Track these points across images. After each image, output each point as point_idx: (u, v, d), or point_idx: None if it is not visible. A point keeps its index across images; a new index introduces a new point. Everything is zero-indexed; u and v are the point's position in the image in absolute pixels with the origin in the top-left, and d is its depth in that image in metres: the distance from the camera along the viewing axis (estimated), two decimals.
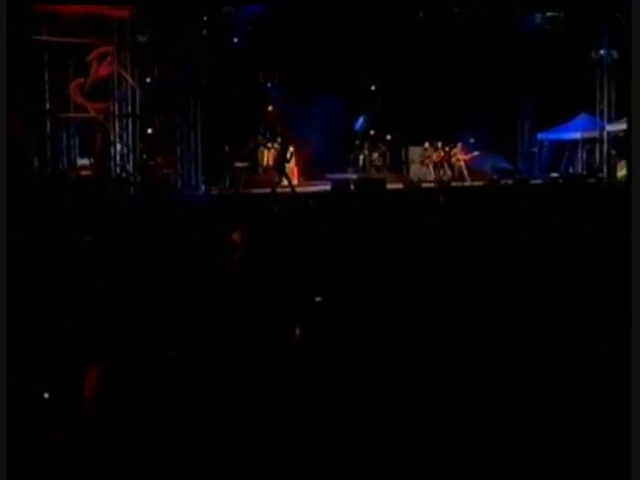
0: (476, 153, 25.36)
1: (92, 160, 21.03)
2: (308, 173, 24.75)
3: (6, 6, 5.64)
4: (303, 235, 10.83)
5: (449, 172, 25.51)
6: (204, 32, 21.17)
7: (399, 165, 26.98)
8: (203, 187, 21.53)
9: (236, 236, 8.82)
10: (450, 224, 13.58)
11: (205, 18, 21.20)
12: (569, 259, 8.68)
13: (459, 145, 25.51)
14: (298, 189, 21.44)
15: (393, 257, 9.01)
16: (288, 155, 21.60)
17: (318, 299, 5.94)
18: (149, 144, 22.24)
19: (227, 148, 23.11)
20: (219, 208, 15.19)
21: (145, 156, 22.02)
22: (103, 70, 19.91)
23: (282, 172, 21.12)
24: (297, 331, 5.28)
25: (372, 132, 27.17)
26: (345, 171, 25.91)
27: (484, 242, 10.46)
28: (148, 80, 21.57)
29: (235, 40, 23.48)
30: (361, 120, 27.45)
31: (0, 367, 3.89)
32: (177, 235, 9.85)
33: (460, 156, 25.38)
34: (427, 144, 25.59)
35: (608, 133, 26.65)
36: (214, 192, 21.19)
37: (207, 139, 21.59)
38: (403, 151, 26.90)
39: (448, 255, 9.47)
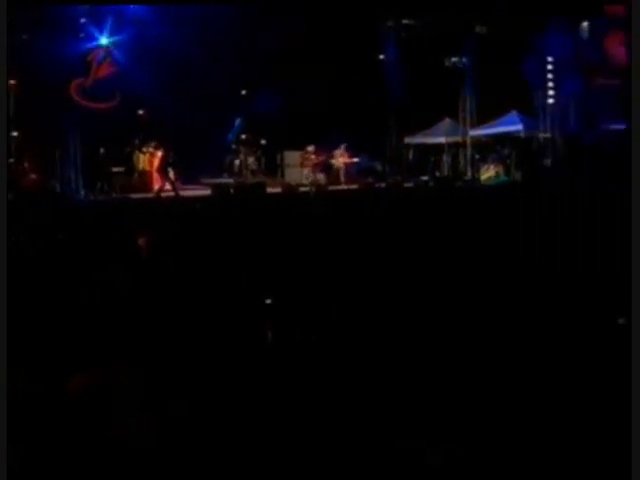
0: (356, 159, 26.09)
1: None
2: (184, 178, 24.59)
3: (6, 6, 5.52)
4: (200, 238, 10.87)
5: (323, 176, 26.04)
6: (81, 35, 20.79)
7: (274, 169, 27.27)
8: (83, 192, 21.08)
9: (141, 240, 8.81)
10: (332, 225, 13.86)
11: (83, 20, 20.81)
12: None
13: (342, 147, 26.13)
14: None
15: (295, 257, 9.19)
16: (170, 159, 21.48)
17: (268, 301, 6.00)
18: (16, 148, 21.54)
19: (102, 152, 22.72)
20: (112, 213, 14.97)
21: (12, 160, 21.30)
22: (103, 70, 20.21)
23: (166, 176, 20.98)
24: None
25: (244, 136, 27.27)
26: (220, 176, 25.93)
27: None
28: (12, 82, 20.86)
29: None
30: (235, 125, 27.52)
31: (0, 367, 3.87)
32: (77, 241, 9.70)
33: (341, 159, 26.00)
34: (308, 147, 26.05)
35: (471, 138, 27.97)
36: (92, 197, 20.79)
37: (83, 143, 21.14)
38: (278, 155, 27.21)
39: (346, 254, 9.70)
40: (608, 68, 26.21)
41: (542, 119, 27.17)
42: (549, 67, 26.54)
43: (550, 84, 26.68)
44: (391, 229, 12.72)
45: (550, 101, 26.75)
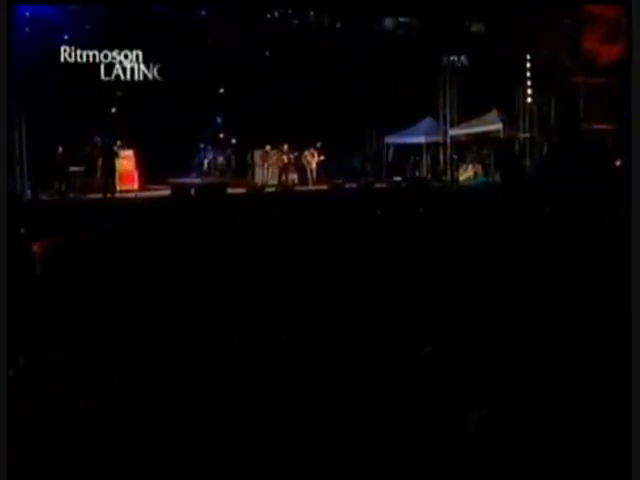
0: (322, 157, 25.25)
1: None
2: (150, 177, 23.72)
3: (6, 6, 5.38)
4: (130, 245, 10.04)
5: (294, 176, 25.19)
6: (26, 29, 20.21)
7: (244, 169, 26.39)
8: (29, 192, 20.17)
9: (36, 247, 7.93)
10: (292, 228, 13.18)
11: (27, 14, 20.32)
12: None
13: (311, 147, 25.28)
14: (139, 194, 20.72)
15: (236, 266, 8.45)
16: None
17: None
18: None
19: (60, 151, 21.79)
20: (38, 216, 14.11)
21: None
22: None
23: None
24: None
25: (221, 135, 26.47)
26: (189, 175, 25.10)
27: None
28: None
29: (66, 37, 22.59)
30: (217, 123, 26.72)
31: (0, 367, 3.96)
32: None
33: (310, 159, 25.15)
34: (268, 147, 25.16)
35: (450, 138, 27.17)
36: (44, 198, 19.92)
37: (36, 141, 20.25)
38: (249, 155, 26.33)
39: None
40: (590, 67, 25.50)
41: (522, 118, 26.43)
42: (528, 65, 25.75)
43: (529, 83, 25.88)
44: (354, 231, 12.09)
45: (529, 100, 25.97)
